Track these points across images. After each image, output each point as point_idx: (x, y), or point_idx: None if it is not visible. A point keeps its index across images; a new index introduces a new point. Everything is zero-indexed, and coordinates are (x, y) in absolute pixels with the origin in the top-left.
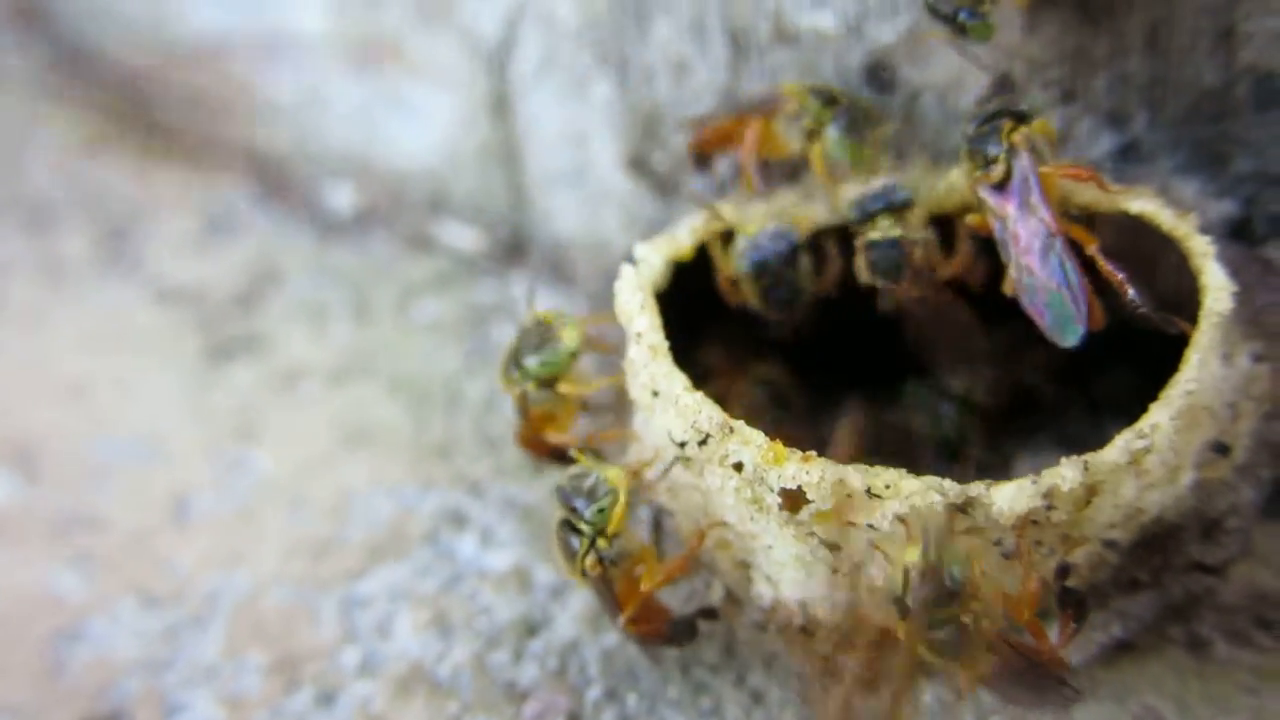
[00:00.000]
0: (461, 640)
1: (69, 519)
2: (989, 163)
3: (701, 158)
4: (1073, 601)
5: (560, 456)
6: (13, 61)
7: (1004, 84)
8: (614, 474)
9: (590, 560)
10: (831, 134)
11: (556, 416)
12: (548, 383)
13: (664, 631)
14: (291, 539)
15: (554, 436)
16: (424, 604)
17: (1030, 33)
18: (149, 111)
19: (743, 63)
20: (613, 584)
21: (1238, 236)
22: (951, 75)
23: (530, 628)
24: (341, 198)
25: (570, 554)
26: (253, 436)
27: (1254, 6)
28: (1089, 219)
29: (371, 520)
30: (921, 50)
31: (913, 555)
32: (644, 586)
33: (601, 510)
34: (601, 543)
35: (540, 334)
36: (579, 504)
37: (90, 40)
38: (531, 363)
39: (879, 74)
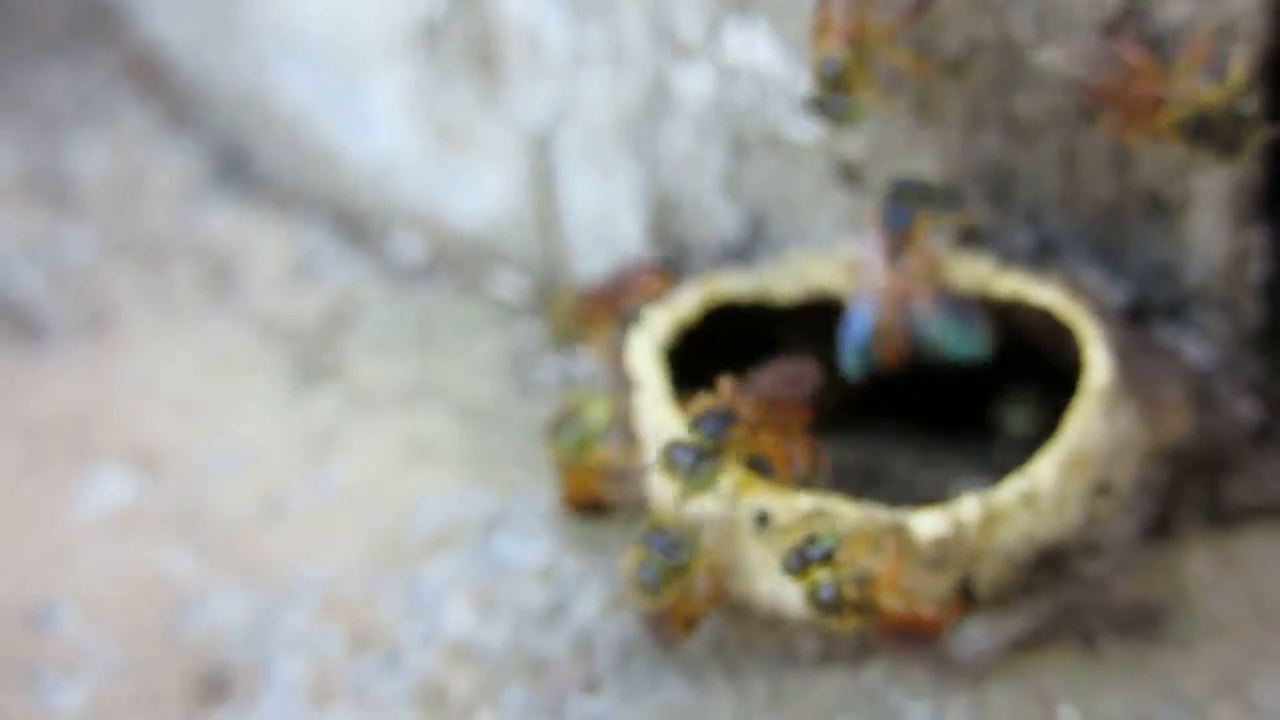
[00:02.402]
0: (501, 619)
1: (183, 513)
2: None
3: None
4: (965, 595)
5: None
6: (131, 113)
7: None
8: (691, 529)
9: (670, 594)
10: None
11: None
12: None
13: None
14: (366, 533)
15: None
16: (472, 589)
17: (967, 150)
18: (249, 165)
19: (738, 162)
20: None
21: (1132, 317)
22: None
23: (556, 610)
24: (412, 249)
25: (642, 585)
26: (334, 448)
27: None
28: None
29: (431, 520)
30: (883, 156)
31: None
32: (696, 613)
33: (686, 559)
34: (680, 581)
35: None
36: (669, 550)
37: (198, 99)
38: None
39: (848, 175)
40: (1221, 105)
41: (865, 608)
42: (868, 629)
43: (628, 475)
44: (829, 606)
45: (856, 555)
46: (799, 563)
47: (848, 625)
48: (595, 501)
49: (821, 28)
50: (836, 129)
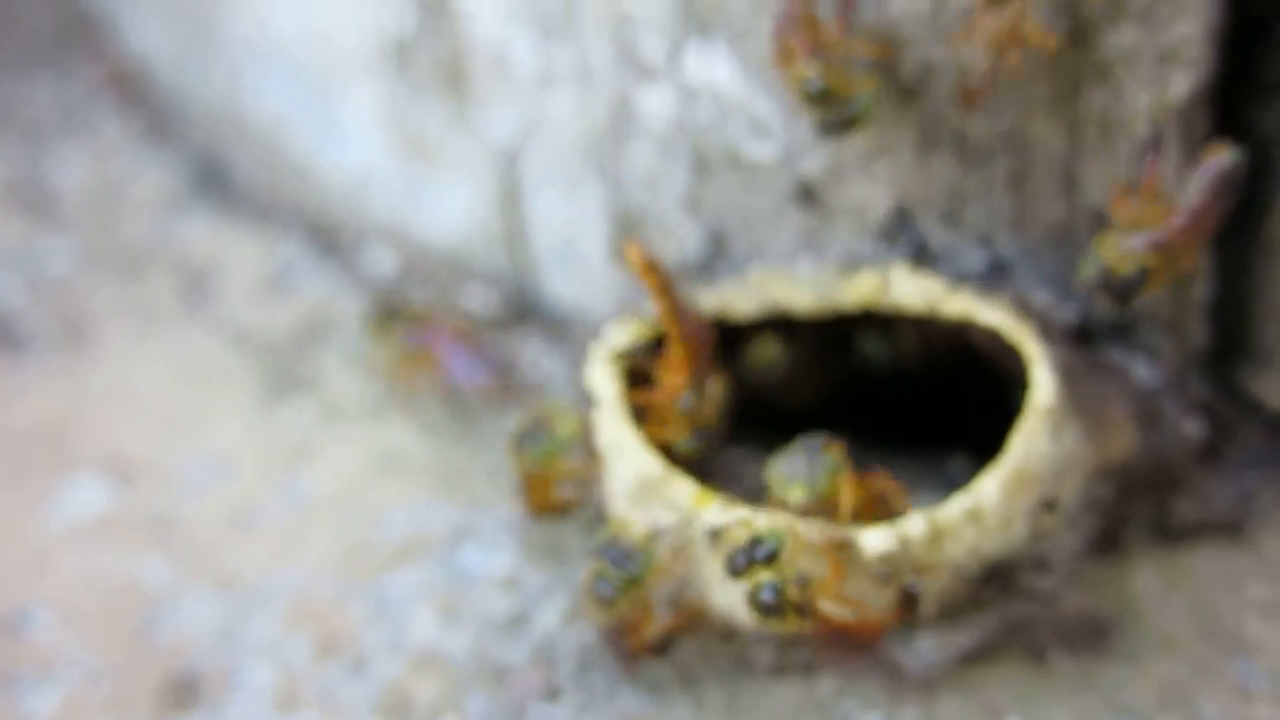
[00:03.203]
0: (464, 628)
1: (157, 522)
2: None
3: None
4: (908, 602)
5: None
6: (112, 126)
7: (903, 213)
8: (645, 538)
9: (625, 604)
10: None
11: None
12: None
13: (649, 648)
14: (335, 543)
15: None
16: (437, 598)
17: (920, 173)
18: (225, 178)
19: (700, 181)
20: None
21: (1081, 337)
22: (862, 198)
23: (519, 620)
24: (383, 262)
25: (599, 598)
26: (305, 459)
27: (1088, 161)
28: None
29: (399, 530)
30: (840, 177)
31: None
32: (649, 634)
33: (640, 569)
34: (634, 591)
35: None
36: (622, 562)
37: (178, 113)
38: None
39: (806, 195)
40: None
41: (806, 610)
42: (807, 636)
43: (589, 485)
44: (770, 608)
45: (799, 556)
46: (744, 561)
47: (789, 627)
48: (556, 506)
49: (784, 55)
50: (857, 132)
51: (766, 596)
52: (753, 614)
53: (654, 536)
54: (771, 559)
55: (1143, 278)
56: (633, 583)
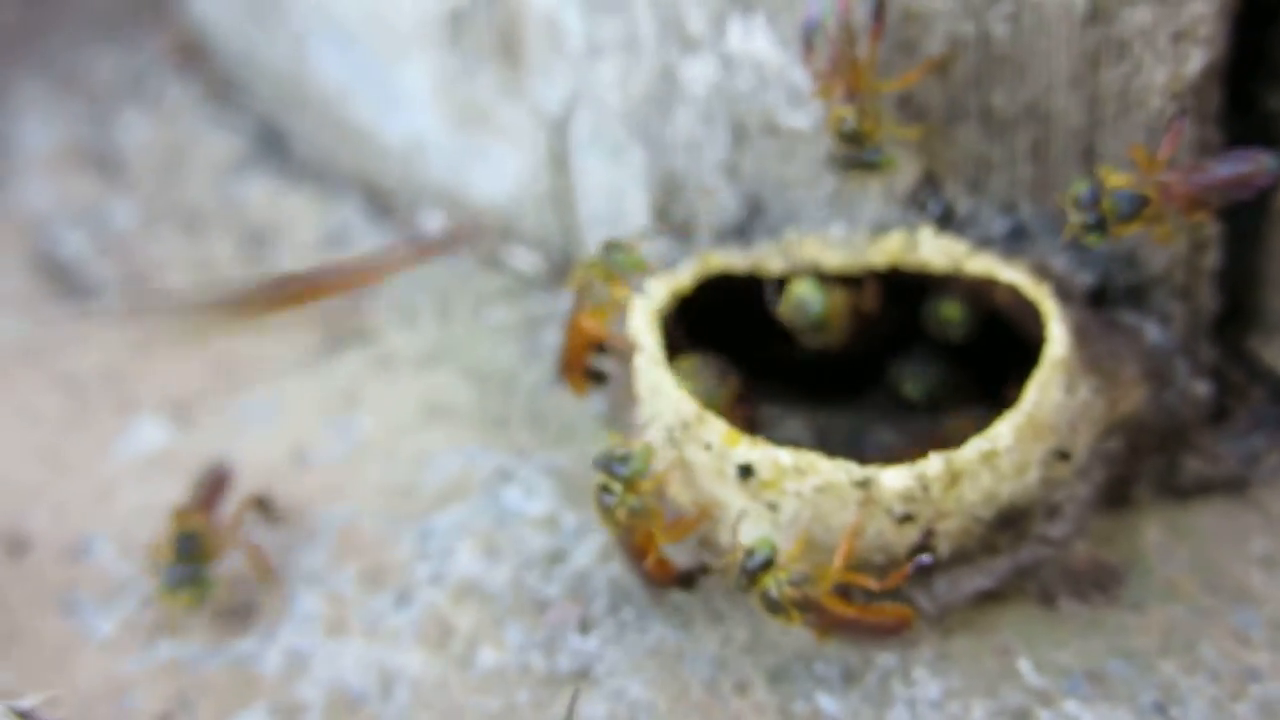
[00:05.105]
0: (504, 563)
1: (214, 459)
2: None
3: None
4: (920, 549)
5: (596, 377)
6: (176, 92)
7: (931, 180)
8: (640, 445)
9: (623, 511)
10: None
11: (604, 313)
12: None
13: (673, 579)
14: (383, 483)
15: (598, 327)
16: (478, 536)
17: (948, 143)
18: (285, 141)
19: (739, 148)
20: (634, 535)
21: (1095, 300)
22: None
23: (556, 557)
24: (434, 223)
25: (605, 509)
26: (357, 405)
27: (1106, 134)
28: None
29: (443, 472)
30: None
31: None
32: (661, 540)
33: (633, 470)
34: (630, 496)
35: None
36: (616, 467)
37: (240, 79)
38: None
39: (838, 163)
40: None
41: (809, 606)
42: (820, 627)
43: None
44: (774, 606)
45: (797, 557)
46: (746, 580)
47: (794, 622)
48: (587, 371)
49: (825, 91)
50: (876, 177)
51: (770, 594)
52: (762, 612)
53: (650, 445)
54: (766, 567)
55: (1135, 207)
56: (628, 486)
